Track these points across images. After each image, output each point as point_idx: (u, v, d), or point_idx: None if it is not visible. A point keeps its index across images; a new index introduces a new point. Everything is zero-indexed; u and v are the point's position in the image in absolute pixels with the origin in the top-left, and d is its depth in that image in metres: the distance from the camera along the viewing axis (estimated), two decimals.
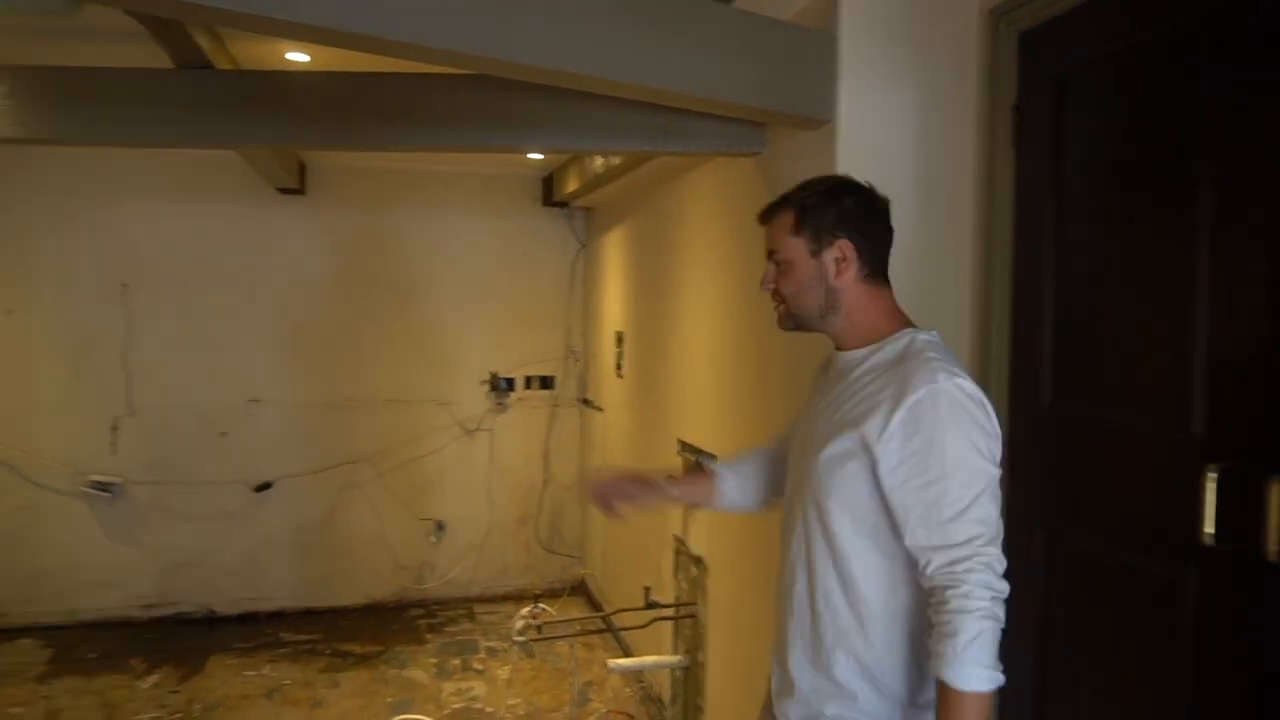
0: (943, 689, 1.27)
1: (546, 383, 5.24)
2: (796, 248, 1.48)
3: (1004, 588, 1.29)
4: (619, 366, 4.46)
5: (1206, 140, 1.48)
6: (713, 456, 3.02)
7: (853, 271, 1.46)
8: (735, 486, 1.75)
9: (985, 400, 1.35)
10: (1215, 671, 1.46)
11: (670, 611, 3.38)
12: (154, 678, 4.04)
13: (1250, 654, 1.40)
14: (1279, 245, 1.36)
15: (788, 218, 1.50)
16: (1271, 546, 1.34)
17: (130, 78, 2.41)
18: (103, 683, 3.96)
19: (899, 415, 1.32)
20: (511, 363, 5.17)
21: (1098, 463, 1.72)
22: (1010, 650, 1.94)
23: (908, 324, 1.48)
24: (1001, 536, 1.33)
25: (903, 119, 2.06)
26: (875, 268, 1.49)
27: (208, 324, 4.72)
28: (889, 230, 1.52)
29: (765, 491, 1.76)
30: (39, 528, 4.55)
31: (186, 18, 2.04)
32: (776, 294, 1.53)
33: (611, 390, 4.65)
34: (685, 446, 3.34)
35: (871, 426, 1.34)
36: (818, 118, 2.06)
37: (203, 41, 2.40)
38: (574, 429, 5.34)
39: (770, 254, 1.53)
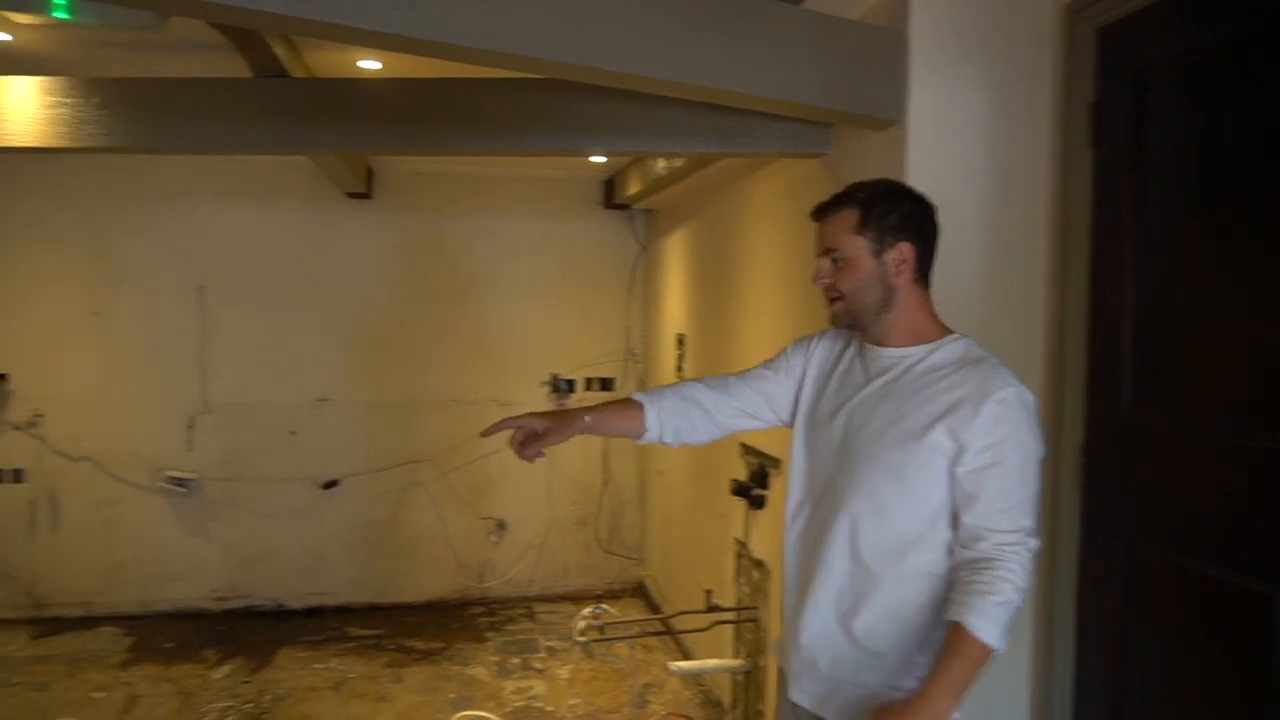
0: (958, 634, 1.37)
1: (606, 384, 5.26)
2: (858, 246, 1.53)
3: (1030, 582, 1.42)
4: (680, 368, 4.46)
5: None
6: (776, 460, 3.00)
7: (909, 273, 1.54)
8: (659, 423, 1.68)
9: None
10: None
11: (731, 615, 3.37)
12: (226, 668, 4.16)
13: None
14: None
15: (850, 216, 1.54)
16: None
17: (211, 87, 2.50)
18: (179, 671, 4.10)
19: (987, 409, 1.42)
20: (572, 364, 5.20)
21: (1182, 473, 1.66)
22: (1085, 662, 1.89)
23: (947, 328, 1.57)
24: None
25: (974, 118, 2.02)
26: (925, 271, 1.57)
27: (278, 325, 4.86)
28: (938, 236, 1.59)
29: (696, 432, 1.71)
30: (120, 521, 4.74)
31: (269, 28, 2.11)
32: (832, 290, 1.58)
33: None
34: (747, 450, 3.32)
35: (959, 418, 1.43)
36: (886, 118, 2.03)
37: (280, 51, 2.47)
38: None
39: (826, 251, 1.57)
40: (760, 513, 3.16)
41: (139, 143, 2.51)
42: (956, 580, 1.43)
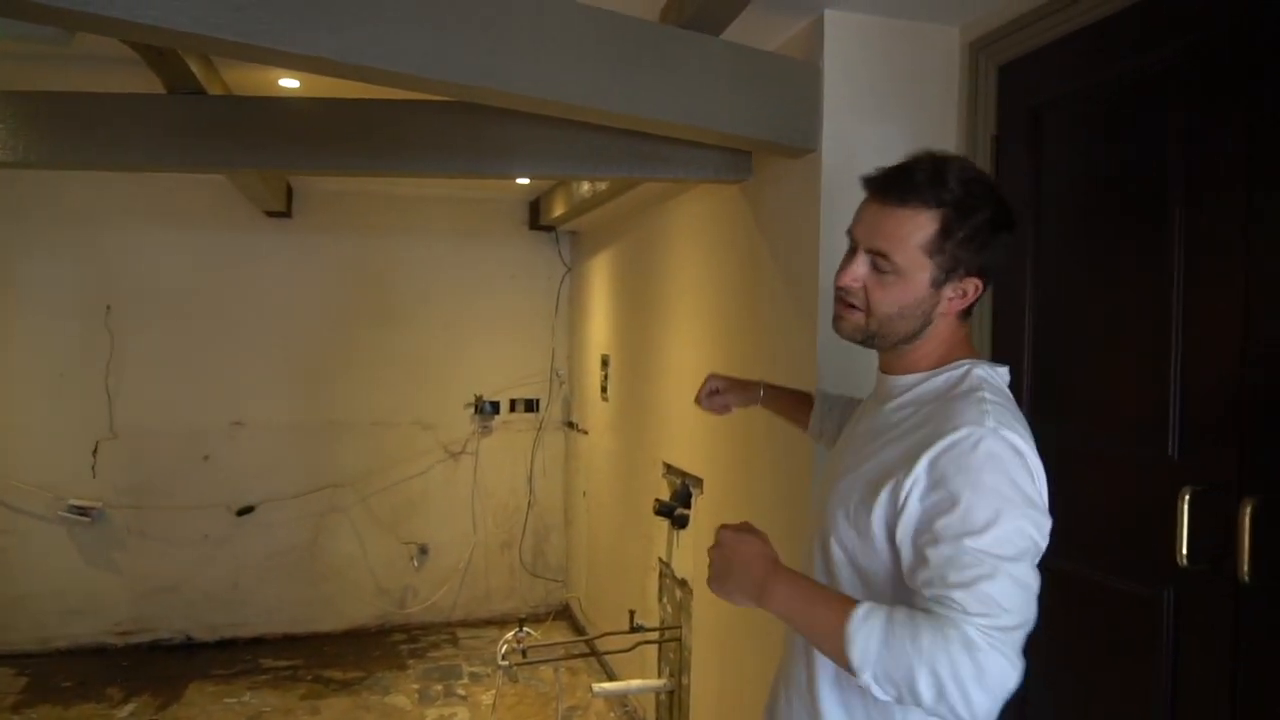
0: (848, 608, 1.03)
1: (531, 405, 5.24)
2: (920, 266, 1.16)
3: (978, 698, 1.00)
4: (604, 389, 4.48)
5: (1177, 172, 1.54)
6: (699, 480, 3.04)
7: (959, 309, 1.21)
8: (819, 424, 1.73)
9: (1038, 468, 1.10)
10: (1192, 691, 1.49)
11: (654, 635, 3.39)
12: (131, 706, 3.97)
13: (1226, 674, 1.43)
14: (1248, 273, 1.42)
15: (926, 223, 1.15)
16: (1243, 567, 1.38)
17: (122, 102, 2.42)
18: (79, 712, 3.90)
19: (927, 458, 1.08)
20: (496, 386, 5.17)
21: (1075, 486, 1.76)
22: None
23: (969, 353, 1.23)
24: (1025, 631, 1.06)
25: (886, 148, 2.07)
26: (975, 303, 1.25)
27: (192, 346, 4.70)
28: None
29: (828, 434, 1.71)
30: (15, 553, 4.48)
31: (183, 46, 2.06)
32: (854, 295, 1.21)
33: (596, 413, 4.67)
34: (670, 469, 3.36)
35: (900, 469, 1.11)
36: (802, 147, 2.11)
37: (195, 68, 2.42)
38: (558, 452, 5.35)
39: (870, 248, 1.18)
40: (684, 532, 3.19)
41: (44, 159, 2.42)
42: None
